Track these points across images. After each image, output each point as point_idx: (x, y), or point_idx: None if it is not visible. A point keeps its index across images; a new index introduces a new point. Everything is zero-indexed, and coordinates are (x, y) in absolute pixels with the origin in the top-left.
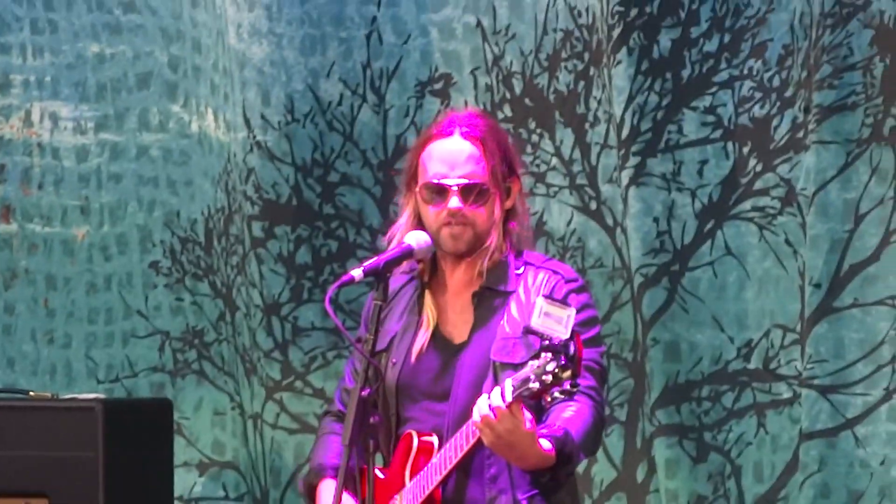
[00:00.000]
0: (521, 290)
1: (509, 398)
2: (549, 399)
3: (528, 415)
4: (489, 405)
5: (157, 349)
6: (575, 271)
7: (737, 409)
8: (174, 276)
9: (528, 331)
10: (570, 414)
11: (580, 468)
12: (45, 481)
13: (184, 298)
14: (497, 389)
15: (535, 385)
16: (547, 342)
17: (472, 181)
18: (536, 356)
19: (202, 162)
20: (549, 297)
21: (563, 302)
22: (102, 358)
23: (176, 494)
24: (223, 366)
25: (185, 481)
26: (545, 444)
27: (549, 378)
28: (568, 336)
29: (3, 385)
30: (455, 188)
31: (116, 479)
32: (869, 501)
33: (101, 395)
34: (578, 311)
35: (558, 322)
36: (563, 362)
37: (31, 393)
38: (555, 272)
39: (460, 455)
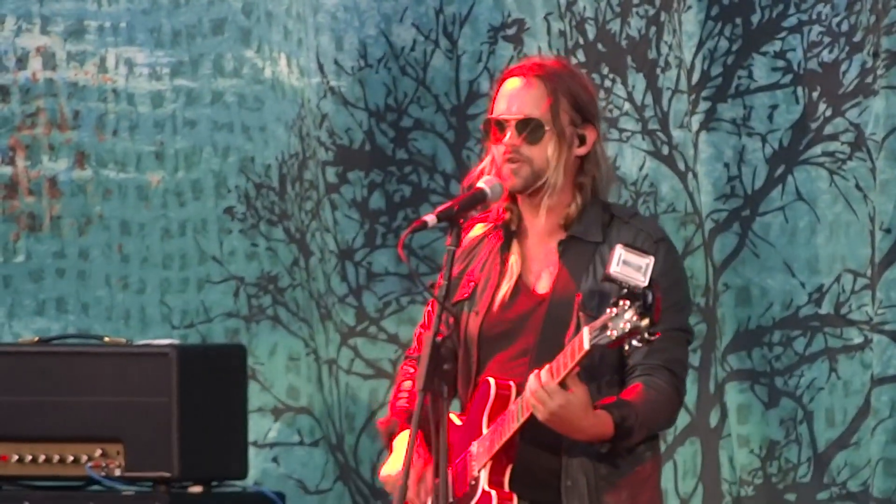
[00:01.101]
0: (609, 242)
1: (587, 346)
2: (626, 348)
3: (582, 385)
4: (538, 381)
5: (232, 294)
6: (662, 230)
7: (808, 355)
8: (249, 222)
9: (607, 278)
10: (641, 389)
11: None
12: (119, 427)
13: (258, 244)
14: (546, 366)
15: (612, 333)
16: (625, 290)
17: (527, 116)
18: (615, 304)
19: (275, 107)
20: (629, 244)
21: (643, 250)
22: (177, 303)
23: (251, 440)
24: (297, 311)
25: (259, 426)
26: (604, 416)
27: (627, 326)
28: (646, 284)
29: (78, 330)
30: (512, 123)
31: (190, 425)
32: None
33: (175, 341)
34: (665, 273)
35: (637, 270)
36: (640, 311)
37: (106, 339)
38: (642, 230)
39: (521, 422)
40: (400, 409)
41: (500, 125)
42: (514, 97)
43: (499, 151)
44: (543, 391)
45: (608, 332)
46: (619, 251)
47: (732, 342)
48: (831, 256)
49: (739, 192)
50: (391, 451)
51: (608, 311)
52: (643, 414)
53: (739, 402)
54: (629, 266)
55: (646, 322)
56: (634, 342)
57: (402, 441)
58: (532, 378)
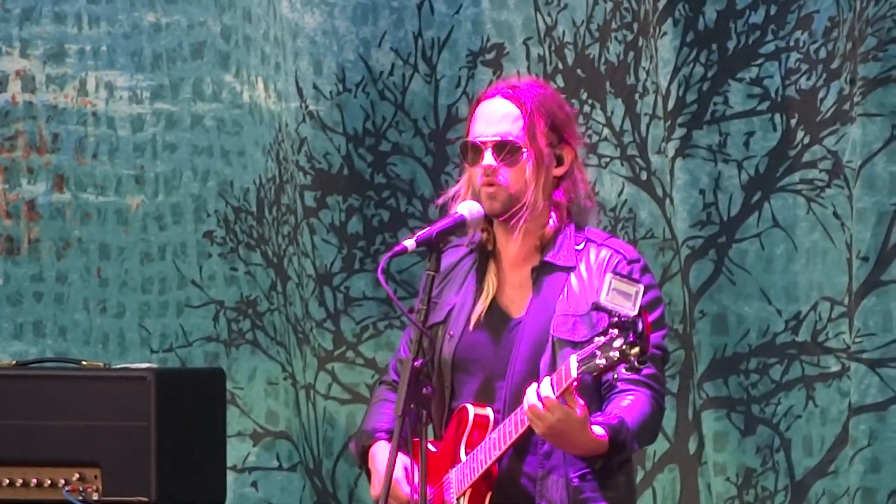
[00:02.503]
0: (582, 266)
1: (574, 374)
2: (614, 377)
3: (580, 401)
4: (538, 395)
5: (212, 319)
6: (636, 251)
7: (785, 382)
8: (228, 246)
9: (597, 307)
10: (627, 403)
11: None
12: (96, 451)
13: (238, 268)
14: (546, 379)
15: (602, 361)
16: (615, 318)
17: (504, 138)
18: (604, 332)
19: (253, 132)
20: (618, 273)
21: (632, 279)
22: (156, 327)
23: (230, 464)
24: (275, 336)
25: (238, 451)
26: (598, 430)
27: (616, 354)
28: (636, 313)
29: (55, 354)
30: (489, 145)
31: (169, 450)
32: None
33: (154, 365)
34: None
35: (627, 298)
36: (630, 339)
37: (84, 362)
38: (616, 251)
39: (513, 439)
40: (372, 428)
41: (477, 148)
42: (490, 119)
43: (476, 174)
44: (542, 405)
45: (597, 361)
46: (610, 279)
47: (708, 370)
48: (808, 284)
49: (715, 219)
50: (368, 472)
51: (597, 339)
52: (634, 428)
53: (716, 429)
54: (619, 294)
55: (635, 351)
56: (622, 370)
57: (381, 451)
58: (530, 392)
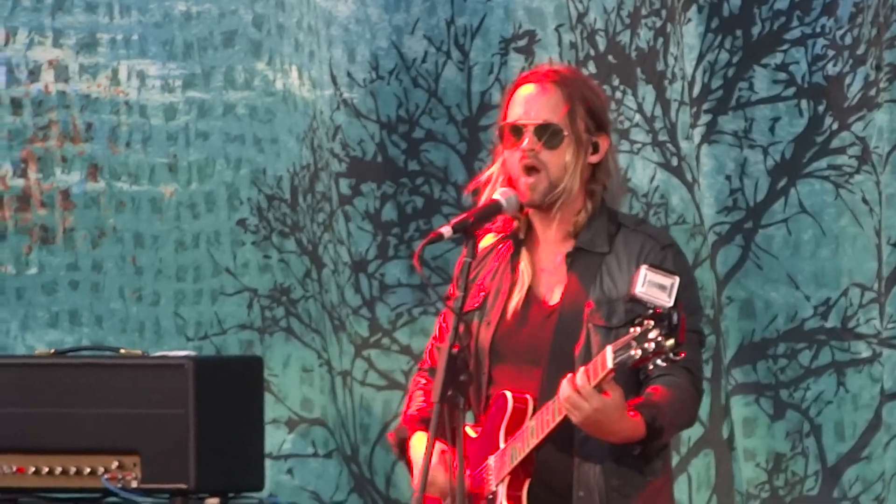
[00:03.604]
0: (615, 252)
1: (609, 365)
2: (650, 367)
3: (617, 388)
4: (573, 385)
5: (246, 306)
6: (669, 236)
7: (814, 368)
8: (261, 234)
9: (633, 299)
10: (664, 388)
11: None
12: (135, 439)
13: (271, 256)
14: (581, 370)
15: (637, 352)
16: (650, 310)
17: (546, 122)
18: (640, 324)
19: (287, 119)
20: (653, 265)
21: (668, 270)
22: (191, 315)
23: (265, 451)
24: (310, 323)
25: (274, 438)
26: (636, 418)
27: (652, 346)
28: (672, 304)
29: (92, 342)
30: (530, 128)
31: (207, 437)
32: None
33: (192, 353)
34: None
35: (662, 290)
36: (666, 330)
37: (122, 350)
38: (649, 236)
39: (550, 427)
40: (411, 416)
41: (517, 130)
42: (531, 102)
43: (514, 157)
44: (578, 395)
45: (632, 352)
46: (644, 272)
47: (737, 355)
48: (838, 270)
49: (742, 205)
50: (409, 464)
51: (632, 329)
52: (671, 413)
53: (745, 415)
54: (654, 286)
55: (671, 342)
56: (659, 361)
57: (419, 441)
58: (566, 383)
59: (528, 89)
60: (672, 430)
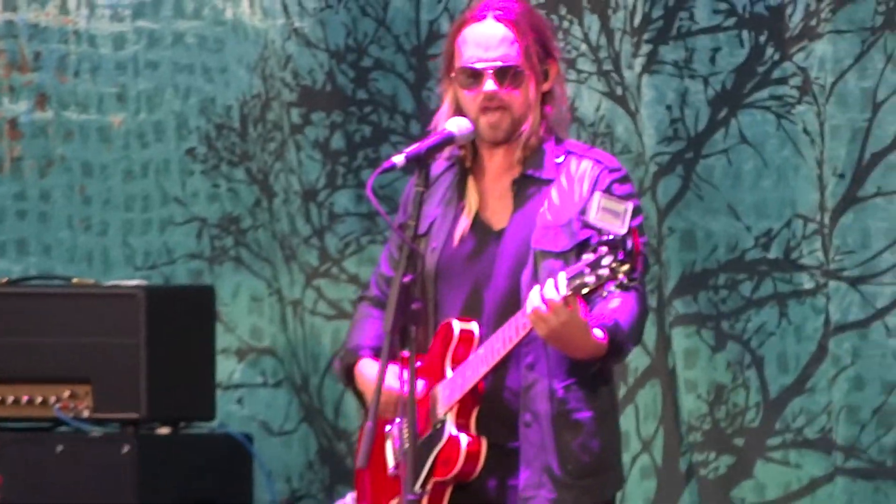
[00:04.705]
0: (563, 178)
1: (563, 291)
2: (603, 294)
3: (581, 304)
4: (542, 297)
5: (195, 236)
6: (617, 160)
7: (756, 299)
8: (210, 163)
9: (586, 225)
10: (616, 304)
11: None
12: (87, 368)
13: (220, 185)
14: (550, 281)
15: (591, 279)
16: (605, 237)
17: (506, 63)
18: (594, 250)
19: (237, 49)
20: (607, 191)
21: (620, 196)
22: (140, 245)
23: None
24: (260, 252)
25: (223, 368)
26: (598, 332)
27: (606, 272)
28: (625, 231)
29: (40, 272)
30: (490, 71)
31: (158, 367)
32: None
33: (144, 282)
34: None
35: (615, 217)
36: (620, 257)
37: (74, 280)
38: (598, 161)
39: (508, 347)
40: (358, 345)
41: (476, 73)
42: (487, 43)
43: (474, 100)
44: (547, 308)
45: (586, 279)
46: (598, 198)
47: (678, 286)
48: (780, 201)
49: (682, 135)
50: (356, 391)
51: (586, 256)
52: (627, 328)
53: (686, 346)
54: (608, 213)
55: (625, 268)
56: (612, 287)
57: (368, 367)
58: (534, 294)
59: (479, 28)
60: (629, 346)
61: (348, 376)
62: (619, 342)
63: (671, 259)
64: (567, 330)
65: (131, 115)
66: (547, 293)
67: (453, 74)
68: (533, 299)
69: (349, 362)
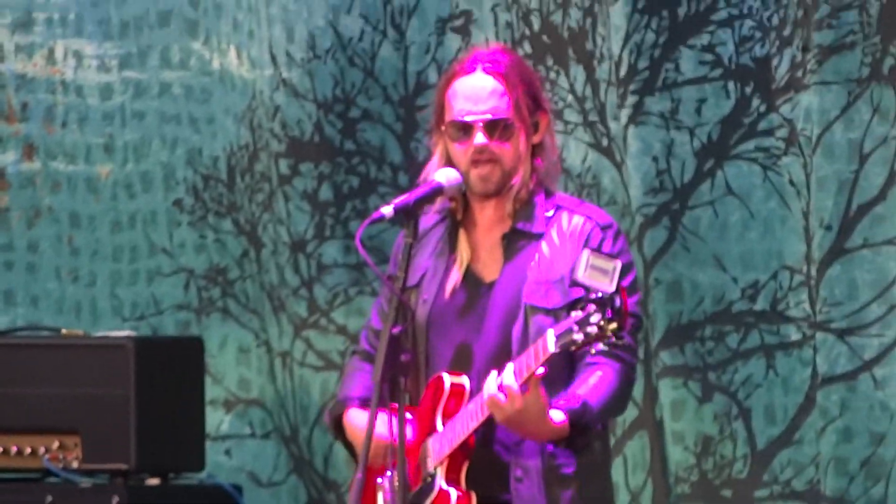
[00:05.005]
0: (553, 232)
1: (551, 349)
2: (592, 352)
3: (541, 390)
4: (499, 385)
5: (183, 287)
6: (609, 216)
7: (742, 351)
8: (197, 214)
9: (575, 283)
10: (594, 381)
11: None
12: (76, 419)
13: (207, 236)
14: (509, 366)
15: (579, 336)
16: (593, 295)
17: (496, 116)
18: (583, 308)
19: (224, 99)
20: (596, 249)
21: (609, 254)
22: (128, 296)
23: None
24: (248, 303)
25: (211, 419)
26: (559, 416)
27: (594, 330)
28: (614, 289)
29: (28, 323)
30: (480, 124)
31: (148, 417)
32: (891, 443)
33: (133, 333)
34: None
35: (604, 274)
36: (608, 315)
37: (63, 330)
38: (589, 217)
39: (480, 420)
40: (347, 396)
41: (466, 127)
42: (476, 96)
43: (464, 153)
44: (503, 395)
45: (574, 336)
46: (586, 256)
47: (664, 338)
48: (766, 252)
49: (668, 186)
50: (345, 442)
51: (574, 314)
52: (597, 407)
53: (673, 398)
54: (596, 270)
55: (613, 326)
56: (601, 345)
57: (356, 416)
58: (491, 381)
59: (468, 80)
60: (598, 424)
61: (337, 427)
62: (584, 424)
63: (658, 310)
64: (523, 417)
65: (118, 166)
66: (505, 379)
67: (443, 127)
68: (489, 386)
69: (338, 413)
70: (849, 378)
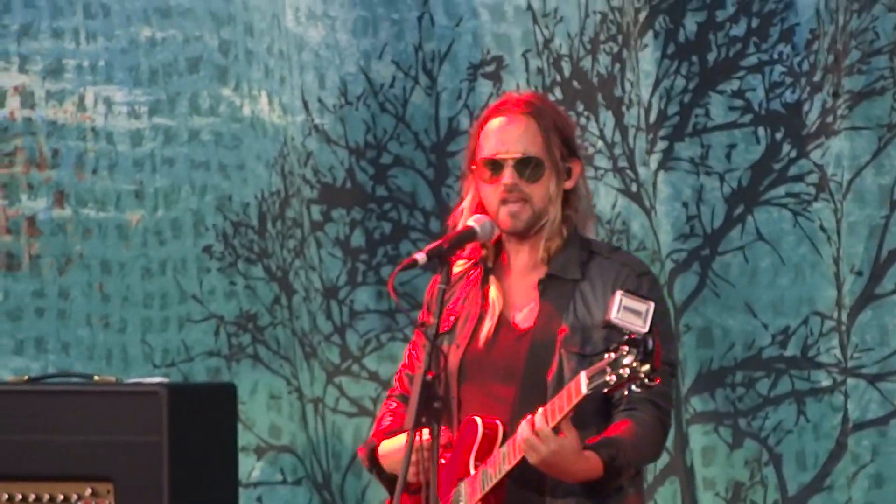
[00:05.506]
0: (589, 279)
1: (584, 391)
2: (625, 393)
3: (573, 431)
4: (532, 427)
5: (213, 333)
6: (644, 263)
7: (773, 396)
8: (227, 260)
9: (608, 325)
10: (629, 426)
11: None
12: (109, 466)
13: (237, 282)
14: (539, 411)
15: (611, 378)
16: (626, 336)
17: (526, 155)
18: (615, 350)
19: (255, 145)
20: (629, 290)
21: (643, 296)
22: (158, 342)
23: None
24: (278, 349)
25: (242, 466)
26: (593, 457)
27: (626, 372)
28: (647, 330)
29: (59, 370)
30: (510, 162)
31: (181, 464)
32: None
33: (165, 380)
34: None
35: (637, 315)
36: (641, 357)
37: (95, 377)
38: (624, 264)
39: (515, 461)
40: (381, 431)
41: (496, 165)
42: (506, 135)
43: (494, 192)
44: (536, 437)
45: (607, 378)
46: (619, 297)
47: (695, 384)
48: (797, 298)
49: (699, 232)
50: (380, 476)
51: (606, 355)
52: (630, 451)
53: (703, 444)
54: (629, 312)
55: (646, 368)
56: (633, 387)
57: (391, 442)
58: (524, 424)
59: (501, 121)
60: (632, 468)
61: (372, 461)
62: (618, 466)
63: (688, 356)
64: (556, 458)
65: (149, 213)
66: (537, 422)
67: (474, 167)
68: (523, 430)
69: (372, 446)
70: (880, 423)
